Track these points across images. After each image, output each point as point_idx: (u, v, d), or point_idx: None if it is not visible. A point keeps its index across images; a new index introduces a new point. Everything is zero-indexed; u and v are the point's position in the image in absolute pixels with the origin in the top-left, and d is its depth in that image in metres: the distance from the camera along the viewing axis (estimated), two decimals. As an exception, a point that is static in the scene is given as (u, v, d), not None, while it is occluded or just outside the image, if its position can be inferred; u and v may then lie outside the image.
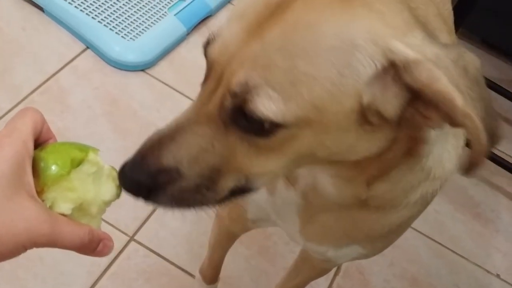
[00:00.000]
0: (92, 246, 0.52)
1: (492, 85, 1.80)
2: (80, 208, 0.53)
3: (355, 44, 0.48)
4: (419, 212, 0.74)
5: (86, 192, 0.53)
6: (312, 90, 0.48)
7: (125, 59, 1.54)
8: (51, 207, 0.51)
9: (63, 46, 1.56)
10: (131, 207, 1.30)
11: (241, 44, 0.50)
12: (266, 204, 0.81)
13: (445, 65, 0.48)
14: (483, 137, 0.48)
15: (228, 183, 0.55)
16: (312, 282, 1.14)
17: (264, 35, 0.49)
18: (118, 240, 1.25)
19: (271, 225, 0.88)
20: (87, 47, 1.58)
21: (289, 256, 1.33)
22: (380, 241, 0.79)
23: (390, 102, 0.50)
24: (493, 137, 0.49)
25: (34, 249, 0.48)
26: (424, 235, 1.51)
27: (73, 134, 1.35)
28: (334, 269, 1.32)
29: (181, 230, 1.33)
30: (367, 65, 0.48)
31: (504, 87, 1.80)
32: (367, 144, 0.55)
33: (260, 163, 0.54)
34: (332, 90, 0.49)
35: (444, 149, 0.65)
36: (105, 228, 0.54)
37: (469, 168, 0.51)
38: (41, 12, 1.61)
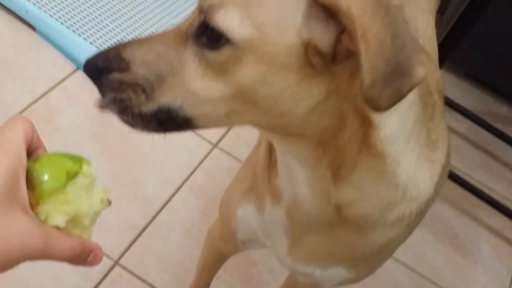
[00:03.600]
0: (83, 257, 0.52)
1: (474, 118, 1.85)
2: (73, 220, 0.53)
3: None
4: (400, 237, 0.76)
5: (80, 204, 0.53)
6: (259, 15, 0.54)
7: (115, 81, 1.55)
8: (45, 220, 0.51)
9: (54, 66, 1.57)
10: (117, 232, 1.30)
11: None
12: (255, 223, 0.84)
13: None
14: (368, 30, 0.49)
15: (163, 97, 0.58)
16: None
17: None
18: (103, 265, 1.25)
19: (260, 246, 0.90)
20: (78, 68, 1.58)
21: (272, 285, 1.34)
22: (363, 264, 0.82)
23: (324, 37, 0.54)
24: (401, 68, 0.49)
25: (20, 271, 0.48)
26: (405, 265, 1.54)
27: (61, 156, 1.35)
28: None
29: (166, 255, 1.34)
30: None
31: (487, 120, 1.84)
32: (309, 92, 0.56)
33: (203, 85, 0.57)
34: (275, 18, 0.54)
35: (418, 168, 0.67)
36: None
37: (368, 87, 0.50)
38: (32, 32, 1.61)
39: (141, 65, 0.58)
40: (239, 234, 0.89)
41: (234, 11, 0.54)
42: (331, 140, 0.61)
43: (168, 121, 0.60)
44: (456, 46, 1.54)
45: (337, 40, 0.54)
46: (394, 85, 0.49)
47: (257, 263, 1.39)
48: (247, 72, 0.55)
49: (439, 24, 1.96)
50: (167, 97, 0.58)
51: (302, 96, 0.57)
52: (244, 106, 0.58)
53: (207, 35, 0.56)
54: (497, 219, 1.72)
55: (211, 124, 0.62)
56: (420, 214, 0.73)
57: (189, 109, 0.59)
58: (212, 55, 0.56)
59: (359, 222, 0.70)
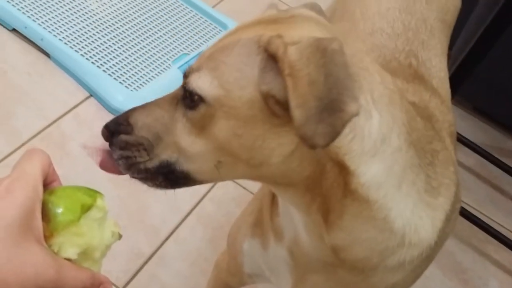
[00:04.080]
0: None
1: (482, 152, 1.85)
2: (85, 253, 0.54)
3: (256, 40, 0.61)
4: (405, 281, 0.76)
5: (93, 237, 0.54)
6: (223, 74, 0.61)
7: (127, 108, 1.56)
8: (58, 252, 0.52)
9: (67, 93, 1.59)
10: (123, 259, 1.31)
11: (208, 49, 0.66)
12: (260, 258, 0.84)
13: (298, 41, 0.57)
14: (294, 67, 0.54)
15: (162, 154, 0.66)
16: None
17: (218, 44, 0.65)
18: (109, 292, 1.25)
19: (266, 281, 0.90)
20: (91, 95, 1.61)
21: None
22: None
23: (280, 87, 0.58)
24: (333, 104, 0.52)
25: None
26: (412, 299, 1.52)
27: (70, 182, 1.35)
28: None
29: (171, 284, 1.33)
30: (258, 53, 0.60)
31: (494, 154, 1.84)
32: (279, 141, 0.60)
33: (191, 141, 0.64)
34: (236, 75, 0.60)
35: (416, 215, 0.68)
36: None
37: (301, 126, 0.53)
38: (47, 58, 1.64)
39: (141, 128, 0.67)
40: (246, 268, 0.90)
41: (205, 73, 0.62)
42: (316, 187, 0.63)
43: (171, 174, 0.67)
44: (465, 81, 1.55)
45: None
46: (328, 121, 0.52)
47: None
48: (220, 127, 0.62)
49: (448, 59, 1.98)
50: (165, 154, 0.66)
51: (272, 145, 0.60)
52: (228, 158, 0.63)
53: (188, 97, 0.63)
54: (505, 254, 1.70)
55: (207, 177, 0.68)
56: (426, 259, 0.73)
57: (184, 163, 0.66)
58: (192, 114, 0.63)
59: (358, 265, 0.70)
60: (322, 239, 0.68)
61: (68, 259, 0.52)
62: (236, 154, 0.62)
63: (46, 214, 0.52)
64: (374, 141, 0.61)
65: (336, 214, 0.65)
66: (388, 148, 0.62)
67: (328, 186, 0.63)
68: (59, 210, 0.52)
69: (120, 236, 0.58)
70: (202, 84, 0.62)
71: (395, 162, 0.64)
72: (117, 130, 0.67)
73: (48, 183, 0.55)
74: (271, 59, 0.58)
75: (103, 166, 0.70)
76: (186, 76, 0.65)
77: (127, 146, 0.67)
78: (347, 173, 0.61)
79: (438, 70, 0.96)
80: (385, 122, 0.62)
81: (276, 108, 0.59)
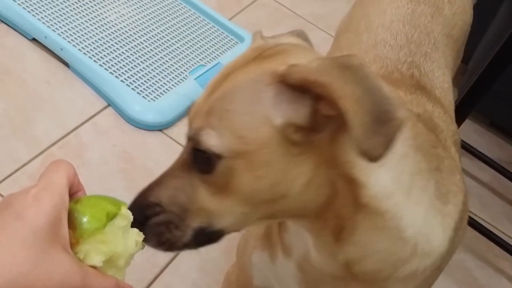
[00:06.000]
0: None
1: (498, 168, 1.83)
2: (109, 261, 0.55)
3: (256, 80, 0.60)
4: None
5: (117, 245, 0.55)
6: (233, 122, 0.59)
7: (144, 118, 1.59)
8: (84, 259, 0.53)
9: (85, 102, 1.61)
10: (139, 269, 1.31)
11: (201, 104, 0.64)
12: (269, 271, 0.83)
13: (317, 64, 0.56)
14: (345, 102, 0.52)
15: (193, 222, 0.64)
16: None
17: (212, 96, 0.62)
18: (123, 301, 1.25)
19: None
20: (109, 105, 1.62)
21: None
22: None
23: (301, 113, 0.58)
24: (383, 115, 0.52)
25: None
26: (427, 315, 1.51)
27: (88, 190, 1.36)
28: None
29: (186, 294, 1.33)
30: (266, 91, 0.59)
31: (510, 170, 1.83)
32: (297, 170, 0.60)
33: (217, 203, 0.63)
34: (246, 119, 0.59)
35: (427, 223, 0.68)
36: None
37: (360, 141, 0.52)
38: (66, 68, 1.66)
39: (169, 204, 0.64)
40: (255, 281, 0.89)
41: (212, 129, 0.60)
42: (329, 211, 0.63)
43: (207, 236, 0.66)
44: (482, 97, 1.54)
45: (314, 111, 0.57)
46: (383, 132, 0.52)
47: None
48: (242, 177, 0.60)
49: (462, 72, 1.98)
50: (197, 221, 0.64)
51: (293, 175, 0.60)
52: (255, 207, 0.63)
53: (200, 160, 0.61)
54: (521, 271, 1.68)
55: (240, 227, 0.67)
56: (437, 269, 0.73)
57: (216, 224, 0.64)
58: (211, 178, 0.61)
59: (370, 278, 0.70)
60: (333, 255, 0.68)
61: (94, 267, 0.53)
62: (260, 197, 0.62)
63: (72, 222, 0.53)
64: None
65: (349, 230, 0.65)
66: (394, 156, 0.62)
67: (340, 205, 0.63)
68: (85, 218, 0.53)
69: (143, 246, 0.59)
70: (213, 141, 0.59)
71: (403, 169, 0.64)
72: (145, 216, 0.64)
73: (74, 193, 0.56)
74: (286, 89, 0.58)
75: None
76: (191, 139, 0.63)
77: (161, 228, 0.64)
78: (357, 187, 0.62)
79: (441, 82, 0.97)
80: None
81: (296, 136, 0.58)
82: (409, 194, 0.65)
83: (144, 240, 0.61)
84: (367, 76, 0.54)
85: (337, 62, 0.55)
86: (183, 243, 0.65)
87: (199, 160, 0.62)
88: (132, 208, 0.62)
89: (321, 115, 0.57)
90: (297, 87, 0.57)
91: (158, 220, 0.64)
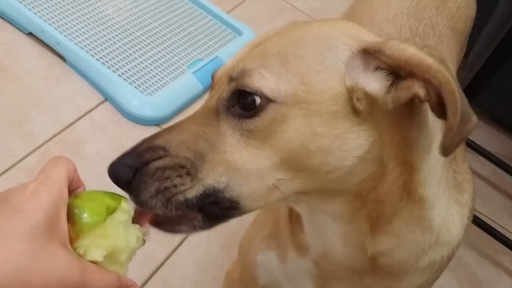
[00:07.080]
0: None
1: (498, 162, 1.83)
2: (111, 255, 0.54)
3: (332, 36, 0.57)
4: (428, 282, 0.75)
5: (118, 239, 0.54)
6: (300, 67, 0.55)
7: (141, 113, 1.57)
8: (84, 254, 0.52)
9: (82, 97, 1.60)
10: (136, 265, 1.30)
11: (245, 53, 0.59)
12: (278, 271, 0.82)
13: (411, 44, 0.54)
14: (456, 92, 0.51)
15: (208, 177, 0.55)
16: None
17: (263, 45, 0.58)
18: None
19: None
20: (106, 99, 1.61)
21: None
22: None
23: (374, 84, 0.55)
24: (466, 116, 0.51)
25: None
26: (427, 310, 1.50)
27: (85, 185, 1.35)
28: None
29: (184, 290, 1.33)
30: (343, 49, 0.56)
31: (510, 164, 1.82)
32: (357, 142, 0.56)
33: (249, 156, 0.55)
34: (317, 68, 0.55)
35: (448, 212, 0.67)
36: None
37: (445, 137, 0.52)
38: (63, 62, 1.65)
39: (177, 146, 0.56)
40: (260, 279, 0.88)
41: (268, 70, 0.54)
42: (371, 192, 0.60)
43: (215, 206, 0.57)
44: (481, 91, 1.53)
45: (391, 87, 0.55)
46: (461, 131, 0.51)
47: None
48: (296, 128, 0.54)
49: (462, 67, 1.97)
50: (212, 177, 0.55)
51: (351, 146, 0.56)
52: (292, 173, 0.56)
53: (240, 104, 0.55)
54: (521, 266, 1.68)
55: (257, 202, 0.58)
56: (449, 259, 0.72)
57: (236, 187, 0.56)
58: (253, 123, 0.55)
59: (393, 270, 0.69)
60: (361, 248, 0.66)
61: (94, 262, 0.52)
62: (308, 162, 0.55)
63: (71, 216, 0.52)
64: (432, 135, 0.60)
65: (387, 218, 0.62)
66: (435, 142, 0.61)
67: (385, 189, 0.60)
68: (85, 213, 0.52)
69: (144, 242, 0.58)
70: (268, 82, 0.54)
71: (438, 157, 0.62)
72: (143, 161, 0.55)
73: (74, 189, 0.56)
74: (363, 58, 0.56)
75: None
76: (234, 78, 0.56)
77: (166, 173, 0.55)
78: (410, 172, 0.60)
79: None
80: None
81: (360, 103, 0.55)
82: (439, 183, 0.64)
83: (132, 193, 0.55)
84: (453, 76, 0.53)
85: (435, 56, 0.53)
86: (185, 197, 0.55)
87: (240, 104, 0.55)
88: (124, 155, 0.56)
89: (395, 91, 0.55)
90: (379, 61, 0.55)
91: (160, 164, 0.55)
